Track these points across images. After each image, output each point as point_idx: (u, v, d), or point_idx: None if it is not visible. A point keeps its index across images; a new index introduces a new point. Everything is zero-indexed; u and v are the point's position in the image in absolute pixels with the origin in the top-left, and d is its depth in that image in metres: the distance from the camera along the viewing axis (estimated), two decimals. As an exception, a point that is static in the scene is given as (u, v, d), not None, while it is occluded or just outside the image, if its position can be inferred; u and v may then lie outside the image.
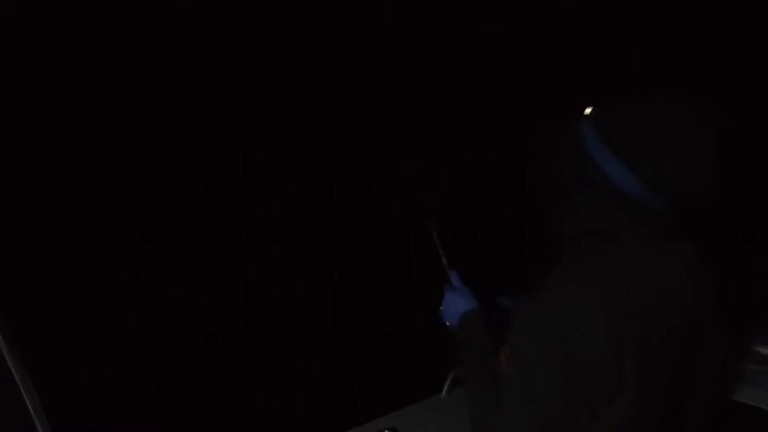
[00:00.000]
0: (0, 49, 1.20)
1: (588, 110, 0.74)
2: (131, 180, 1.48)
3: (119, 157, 1.47)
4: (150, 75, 1.44)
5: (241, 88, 1.59)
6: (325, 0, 1.57)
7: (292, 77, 1.65)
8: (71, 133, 1.38)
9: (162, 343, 1.55)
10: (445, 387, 1.61)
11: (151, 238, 1.54)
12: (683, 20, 1.73)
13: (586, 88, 1.65)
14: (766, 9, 1.57)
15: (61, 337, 1.37)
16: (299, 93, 1.66)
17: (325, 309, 1.91)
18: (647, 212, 0.70)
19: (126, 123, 1.44)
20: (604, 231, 0.72)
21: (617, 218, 0.72)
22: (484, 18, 1.81)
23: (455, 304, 0.95)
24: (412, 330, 1.89)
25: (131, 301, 1.50)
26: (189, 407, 1.58)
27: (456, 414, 1.38)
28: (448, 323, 0.98)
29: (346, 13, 1.59)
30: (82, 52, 1.33)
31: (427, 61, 1.79)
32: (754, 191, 1.71)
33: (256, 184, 1.70)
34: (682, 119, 0.67)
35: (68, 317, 1.39)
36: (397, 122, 1.80)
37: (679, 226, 0.74)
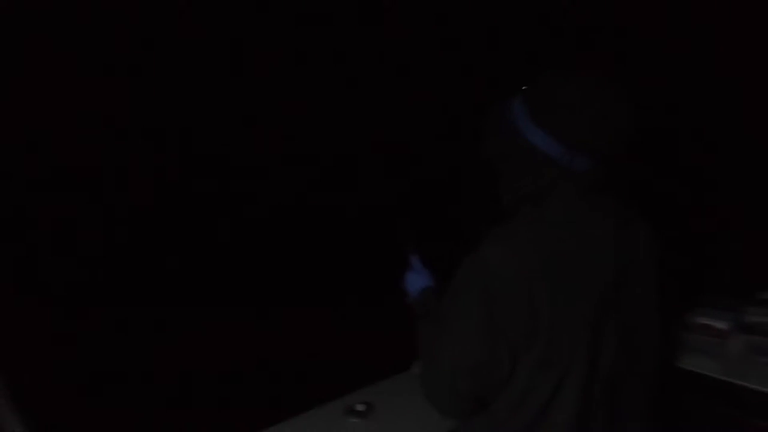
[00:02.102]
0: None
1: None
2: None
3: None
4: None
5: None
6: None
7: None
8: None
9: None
10: (415, 363, 1.64)
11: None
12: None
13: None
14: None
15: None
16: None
17: (295, 286, 1.89)
18: (571, 173, 0.78)
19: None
20: (534, 195, 0.81)
21: (545, 181, 0.79)
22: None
23: (415, 282, 1.09)
24: (382, 308, 1.91)
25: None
26: (156, 389, 1.54)
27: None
28: (411, 295, 1.10)
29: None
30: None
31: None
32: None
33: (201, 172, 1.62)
34: (592, 90, 0.75)
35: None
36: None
37: (606, 185, 0.82)
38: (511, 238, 0.77)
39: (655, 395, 0.90)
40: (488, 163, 0.87)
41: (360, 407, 1.46)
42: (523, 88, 0.80)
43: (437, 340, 0.83)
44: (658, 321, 0.88)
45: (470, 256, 0.78)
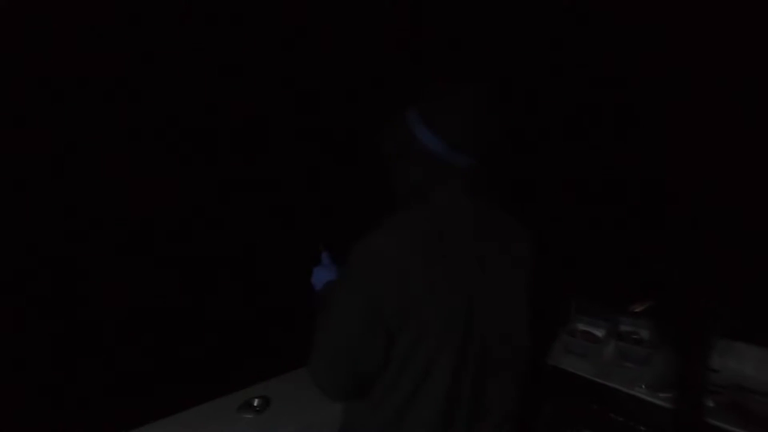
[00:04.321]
0: None
1: None
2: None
3: None
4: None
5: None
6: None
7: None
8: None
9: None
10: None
11: None
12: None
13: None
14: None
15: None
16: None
17: (204, 277, 1.81)
18: (453, 170, 0.88)
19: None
20: (421, 190, 0.91)
21: (430, 176, 0.90)
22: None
23: (322, 275, 1.14)
24: (290, 301, 1.89)
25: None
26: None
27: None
28: (315, 289, 1.14)
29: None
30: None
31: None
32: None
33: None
34: (468, 100, 0.88)
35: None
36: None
37: (483, 185, 0.92)
38: (395, 226, 0.85)
39: (521, 394, 0.96)
40: (386, 161, 0.97)
41: (256, 402, 1.42)
42: (417, 97, 0.92)
43: (322, 323, 0.87)
44: (527, 320, 0.95)
45: (358, 243, 0.84)
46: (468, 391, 0.86)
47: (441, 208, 0.88)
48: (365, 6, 1.89)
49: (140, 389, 1.61)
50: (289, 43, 1.81)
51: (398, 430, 0.85)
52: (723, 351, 1.55)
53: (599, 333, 1.76)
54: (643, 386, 1.47)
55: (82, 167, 1.49)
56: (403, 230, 0.83)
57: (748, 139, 1.59)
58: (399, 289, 0.79)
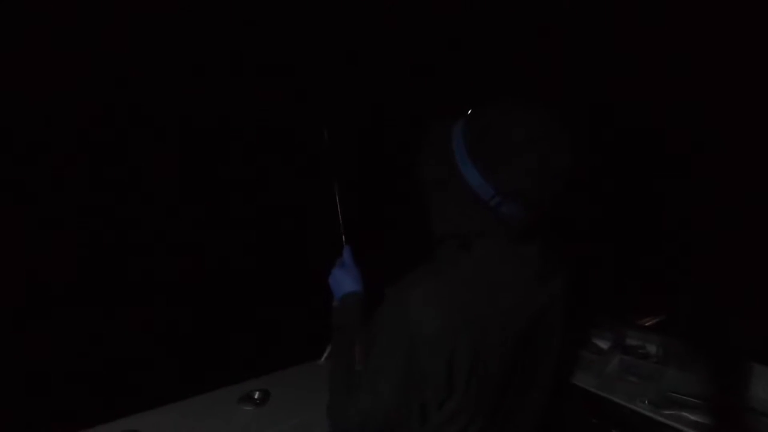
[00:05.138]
0: None
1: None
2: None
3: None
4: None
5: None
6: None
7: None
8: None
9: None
10: (325, 354, 1.64)
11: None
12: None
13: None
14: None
15: None
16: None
17: (210, 272, 1.84)
18: (500, 217, 0.71)
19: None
20: (461, 235, 0.74)
21: (472, 222, 0.73)
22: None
23: (341, 282, 0.96)
24: (297, 297, 1.91)
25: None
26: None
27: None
28: (333, 293, 0.99)
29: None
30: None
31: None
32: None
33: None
34: (535, 131, 0.68)
35: None
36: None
37: (533, 230, 0.76)
38: (435, 289, 0.71)
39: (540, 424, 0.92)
40: (422, 187, 0.80)
41: (257, 395, 1.44)
42: (469, 111, 0.73)
43: (350, 380, 0.79)
44: (556, 364, 0.88)
45: (393, 298, 0.73)
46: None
47: (484, 266, 0.73)
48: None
49: (142, 376, 1.65)
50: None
51: None
52: (732, 370, 1.50)
53: (604, 345, 1.73)
54: (647, 402, 1.44)
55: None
56: (446, 294, 0.70)
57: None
58: (443, 363, 0.69)
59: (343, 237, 1.05)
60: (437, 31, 1.95)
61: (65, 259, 1.52)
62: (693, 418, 1.35)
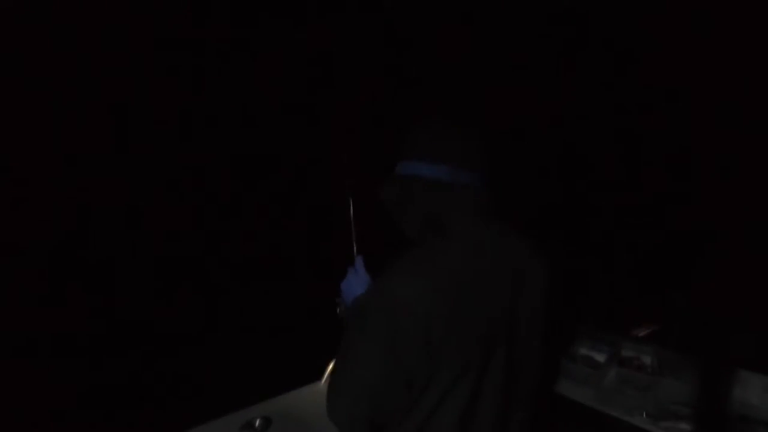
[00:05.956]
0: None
1: None
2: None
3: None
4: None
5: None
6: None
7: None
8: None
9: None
10: (325, 376, 1.64)
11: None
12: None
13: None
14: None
15: None
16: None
17: (208, 298, 1.84)
18: (464, 191, 0.88)
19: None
20: (435, 222, 0.90)
21: (441, 203, 0.89)
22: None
23: (353, 287, 1.07)
24: (295, 320, 1.92)
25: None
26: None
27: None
28: (342, 300, 1.11)
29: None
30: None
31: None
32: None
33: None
34: (447, 124, 0.92)
35: None
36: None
37: (501, 211, 0.93)
38: (412, 268, 0.83)
39: (531, 420, 0.98)
40: (389, 209, 0.96)
41: (258, 422, 1.44)
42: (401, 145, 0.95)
43: (341, 363, 0.87)
44: (542, 351, 0.94)
45: (377, 284, 0.85)
46: (488, 419, 0.87)
47: (458, 238, 0.87)
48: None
49: (144, 406, 1.64)
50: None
51: None
52: (728, 379, 1.53)
53: (600, 358, 1.75)
54: (644, 415, 1.47)
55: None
56: (421, 271, 0.82)
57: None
58: (421, 339, 0.78)
59: (355, 247, 1.18)
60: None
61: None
62: (691, 429, 1.38)
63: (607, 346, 1.77)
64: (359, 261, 1.12)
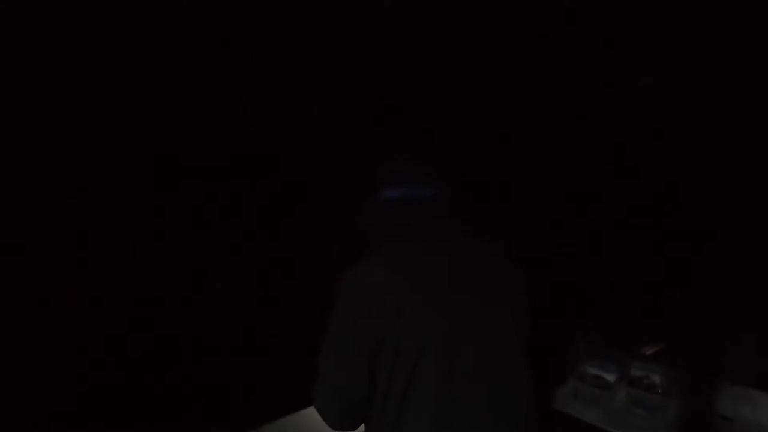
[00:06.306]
0: None
1: None
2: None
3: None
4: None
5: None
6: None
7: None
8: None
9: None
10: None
11: None
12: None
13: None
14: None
15: None
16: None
17: (203, 318, 1.79)
18: (421, 199, 1.06)
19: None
20: (400, 228, 1.06)
21: (403, 212, 1.06)
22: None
23: None
24: (291, 342, 1.86)
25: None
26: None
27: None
28: None
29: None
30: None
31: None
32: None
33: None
34: (400, 159, 1.13)
35: None
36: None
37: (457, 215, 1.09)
38: (377, 257, 1.00)
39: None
40: (369, 235, 1.13)
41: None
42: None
43: (321, 359, 0.97)
44: (520, 356, 0.99)
45: (348, 271, 0.98)
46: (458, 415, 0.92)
47: (414, 240, 1.02)
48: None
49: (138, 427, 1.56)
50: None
51: None
52: (737, 398, 1.48)
53: (610, 378, 1.70)
54: (657, 436, 1.41)
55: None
56: (384, 259, 0.98)
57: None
58: (381, 312, 0.90)
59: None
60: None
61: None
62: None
63: (614, 365, 1.72)
64: None
